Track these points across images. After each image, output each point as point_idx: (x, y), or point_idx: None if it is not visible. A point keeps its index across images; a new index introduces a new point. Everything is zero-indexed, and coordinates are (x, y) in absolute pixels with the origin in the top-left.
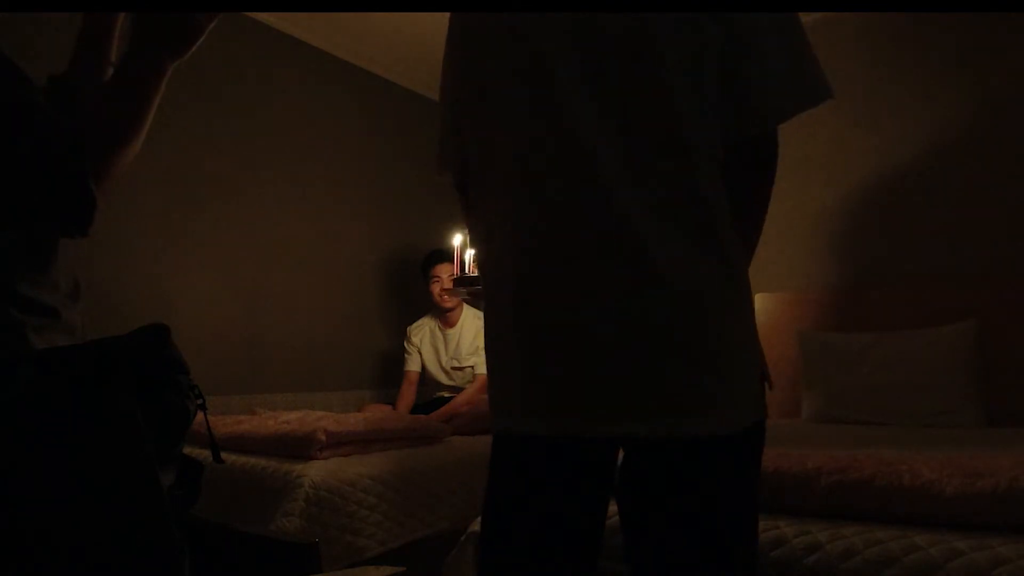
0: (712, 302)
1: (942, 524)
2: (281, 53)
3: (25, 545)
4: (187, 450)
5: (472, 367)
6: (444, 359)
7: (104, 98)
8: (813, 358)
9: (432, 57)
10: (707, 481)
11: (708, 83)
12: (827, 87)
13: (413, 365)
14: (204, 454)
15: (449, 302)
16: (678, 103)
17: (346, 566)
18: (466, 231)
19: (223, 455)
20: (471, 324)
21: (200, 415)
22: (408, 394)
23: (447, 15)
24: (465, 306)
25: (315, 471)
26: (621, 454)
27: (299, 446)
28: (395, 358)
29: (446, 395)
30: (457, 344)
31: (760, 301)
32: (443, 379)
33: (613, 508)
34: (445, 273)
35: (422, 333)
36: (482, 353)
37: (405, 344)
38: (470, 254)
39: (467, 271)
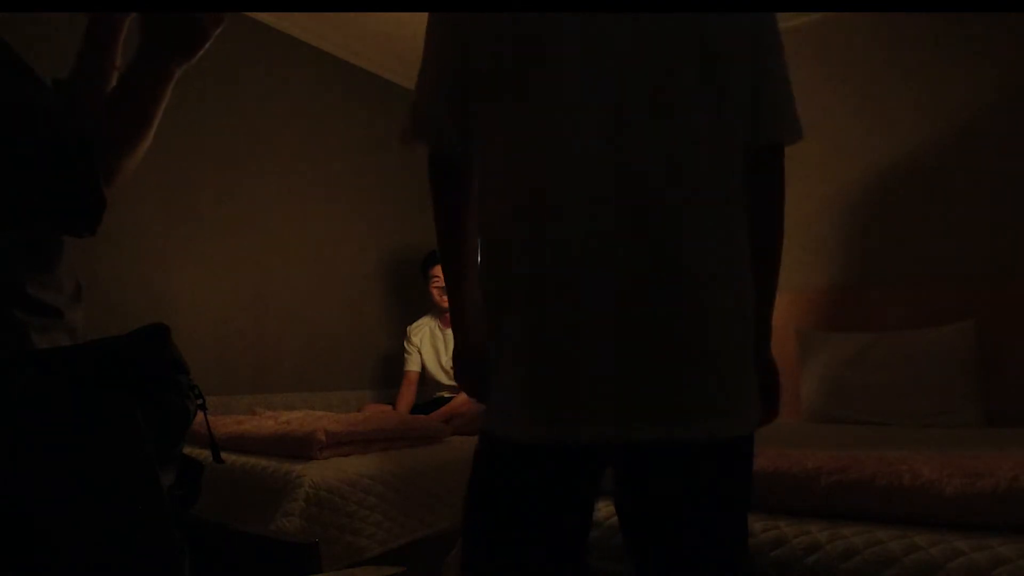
0: (718, 304)
1: (942, 524)
2: (281, 53)
3: (25, 545)
4: (187, 450)
5: None
6: (444, 359)
7: (112, 102)
8: (812, 358)
9: None
10: (712, 484)
11: (743, 88)
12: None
13: (413, 365)
14: (204, 454)
15: None
16: (725, 106)
17: (346, 566)
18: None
19: (223, 455)
20: None
21: (200, 415)
22: (408, 394)
23: None
24: None
25: (315, 471)
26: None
27: (299, 446)
28: (395, 358)
29: (446, 395)
30: None
31: None
32: (443, 379)
33: (613, 508)
34: None
35: (422, 333)
36: None
37: (405, 344)
38: None
39: None
